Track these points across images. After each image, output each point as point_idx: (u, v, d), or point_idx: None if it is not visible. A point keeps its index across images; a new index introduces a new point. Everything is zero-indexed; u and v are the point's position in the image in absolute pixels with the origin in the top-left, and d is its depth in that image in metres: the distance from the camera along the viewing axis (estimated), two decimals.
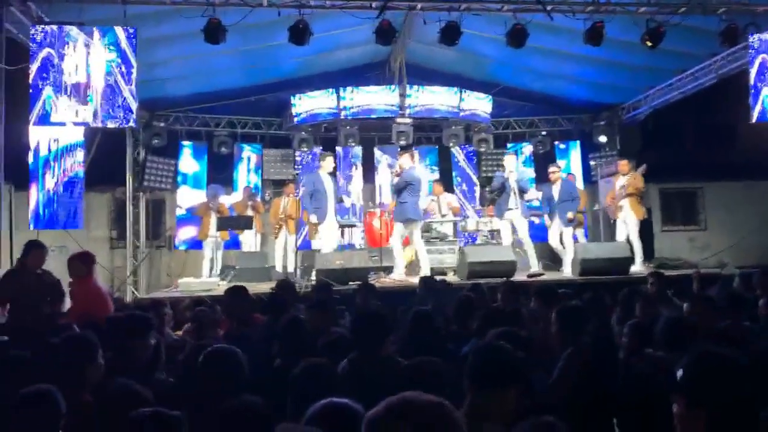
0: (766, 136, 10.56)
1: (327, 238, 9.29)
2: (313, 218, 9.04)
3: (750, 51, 8.72)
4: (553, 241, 9.89)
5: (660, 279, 6.28)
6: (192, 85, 11.25)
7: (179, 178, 12.43)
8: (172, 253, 12.54)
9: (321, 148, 12.17)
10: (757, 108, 8.75)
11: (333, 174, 9.61)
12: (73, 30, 7.59)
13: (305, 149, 12.36)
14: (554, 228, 9.80)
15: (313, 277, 8.49)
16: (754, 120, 8.82)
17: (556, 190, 9.72)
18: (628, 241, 9.48)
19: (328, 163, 9.40)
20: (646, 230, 10.11)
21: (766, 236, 12.58)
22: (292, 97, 11.42)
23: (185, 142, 12.50)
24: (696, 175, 14.44)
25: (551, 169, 10.00)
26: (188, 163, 12.55)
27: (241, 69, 11.10)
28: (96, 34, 7.64)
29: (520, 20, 8.17)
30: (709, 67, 10.30)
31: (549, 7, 7.94)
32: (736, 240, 11.96)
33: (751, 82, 8.71)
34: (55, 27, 7.56)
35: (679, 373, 1.93)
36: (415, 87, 11.26)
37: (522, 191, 9.33)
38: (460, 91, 11.30)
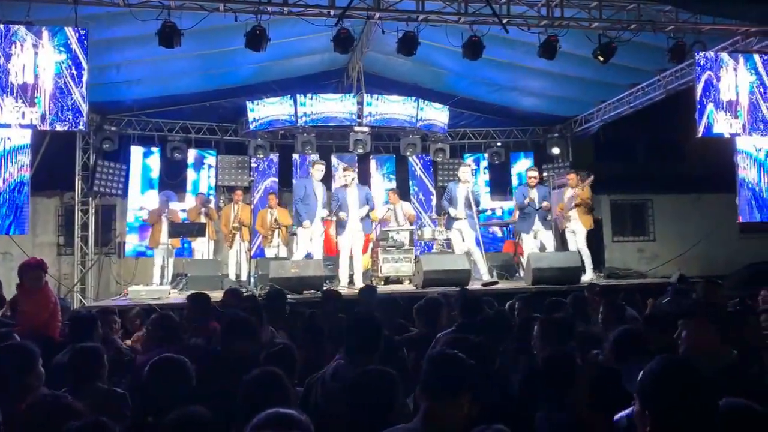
0: (712, 151, 10.90)
1: (302, 245, 9.25)
2: (307, 223, 8.96)
3: (696, 68, 9.04)
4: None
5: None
6: (145, 89, 11.01)
7: (145, 182, 12.20)
8: (121, 260, 12.23)
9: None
10: (703, 123, 9.06)
11: (324, 181, 9.49)
12: (21, 29, 7.37)
13: (261, 156, 12.23)
14: (531, 238, 9.64)
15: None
16: (699, 134, 9.14)
17: (535, 194, 9.57)
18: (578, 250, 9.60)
19: (318, 171, 9.26)
20: (596, 241, 10.27)
21: (712, 247, 12.99)
22: (249, 103, 11.28)
23: (153, 148, 12.27)
24: (646, 187, 14.84)
25: (533, 174, 9.89)
26: (155, 166, 12.32)
27: (197, 74, 10.95)
28: (45, 34, 7.44)
29: (476, 32, 8.32)
30: (658, 83, 10.61)
31: (505, 20, 8.07)
32: (684, 251, 12.29)
33: (697, 98, 9.03)
34: (1, 26, 7.33)
35: (639, 376, 2.06)
36: (374, 96, 11.25)
37: (476, 202, 9.44)
38: (418, 101, 11.36)
